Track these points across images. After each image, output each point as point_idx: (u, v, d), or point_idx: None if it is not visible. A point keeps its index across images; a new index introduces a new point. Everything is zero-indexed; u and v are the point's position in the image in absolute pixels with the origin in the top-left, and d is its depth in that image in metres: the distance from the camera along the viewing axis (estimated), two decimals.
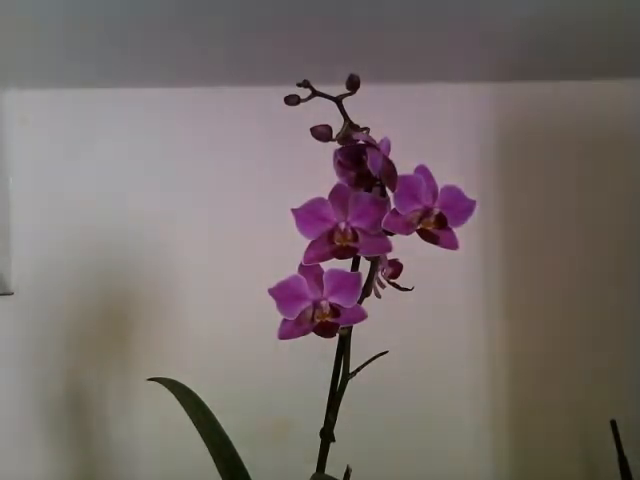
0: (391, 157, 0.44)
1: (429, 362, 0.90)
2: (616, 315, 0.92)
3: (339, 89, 0.44)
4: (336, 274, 0.45)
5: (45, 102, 0.90)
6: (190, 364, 0.87)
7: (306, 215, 0.44)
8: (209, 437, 0.57)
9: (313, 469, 0.53)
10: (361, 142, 0.43)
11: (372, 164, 0.43)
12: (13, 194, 0.90)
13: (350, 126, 0.44)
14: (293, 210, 0.44)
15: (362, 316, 0.46)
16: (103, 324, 0.89)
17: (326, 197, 0.45)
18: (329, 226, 0.45)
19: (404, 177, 0.43)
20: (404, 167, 0.44)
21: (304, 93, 0.44)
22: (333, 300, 0.45)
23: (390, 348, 0.50)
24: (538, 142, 0.93)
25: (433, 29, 0.76)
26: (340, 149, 0.45)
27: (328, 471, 0.52)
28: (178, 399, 0.59)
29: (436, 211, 0.44)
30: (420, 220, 0.44)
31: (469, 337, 0.92)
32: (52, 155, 0.91)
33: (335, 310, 0.45)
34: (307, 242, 0.45)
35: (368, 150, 0.43)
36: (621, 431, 0.77)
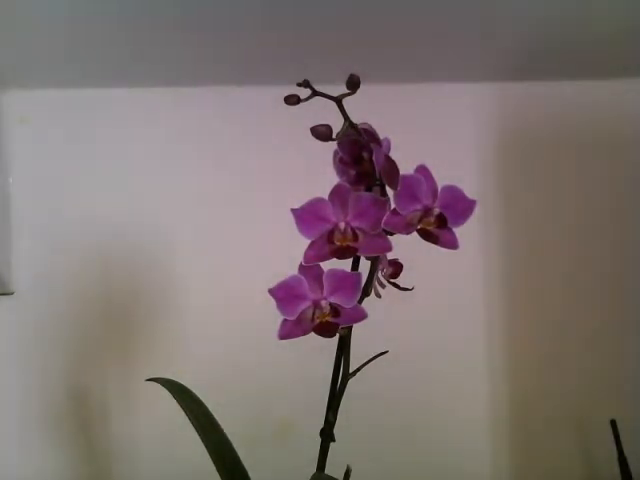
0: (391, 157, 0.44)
1: (429, 362, 0.90)
2: (616, 315, 0.92)
3: (339, 89, 0.44)
4: (336, 274, 0.45)
5: (45, 102, 0.90)
6: (190, 364, 0.87)
7: (306, 215, 0.44)
8: (208, 437, 0.57)
9: (313, 469, 0.53)
10: (363, 136, 0.43)
11: (376, 158, 0.43)
12: (13, 194, 0.90)
13: (350, 126, 0.44)
14: (293, 210, 0.44)
15: (362, 316, 0.46)
16: (103, 324, 0.89)
17: (326, 197, 0.45)
18: (329, 226, 0.45)
19: (404, 177, 0.43)
20: (404, 167, 0.44)
21: (304, 93, 0.44)
22: (333, 300, 0.45)
23: (390, 348, 0.50)
24: (538, 142, 0.93)
25: (433, 29, 0.76)
26: (341, 142, 0.45)
27: (328, 471, 0.52)
28: (177, 399, 0.59)
29: (436, 211, 0.44)
30: (420, 220, 0.44)
31: (469, 337, 0.92)
32: (52, 155, 0.91)
33: (335, 310, 0.45)
34: (307, 242, 0.45)
35: (372, 145, 0.43)
36: (621, 431, 0.77)
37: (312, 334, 0.45)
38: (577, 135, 0.93)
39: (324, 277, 0.45)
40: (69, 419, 0.88)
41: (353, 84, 0.44)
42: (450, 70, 0.89)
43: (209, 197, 0.91)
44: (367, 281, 0.47)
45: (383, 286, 0.50)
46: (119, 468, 0.88)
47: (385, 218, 0.43)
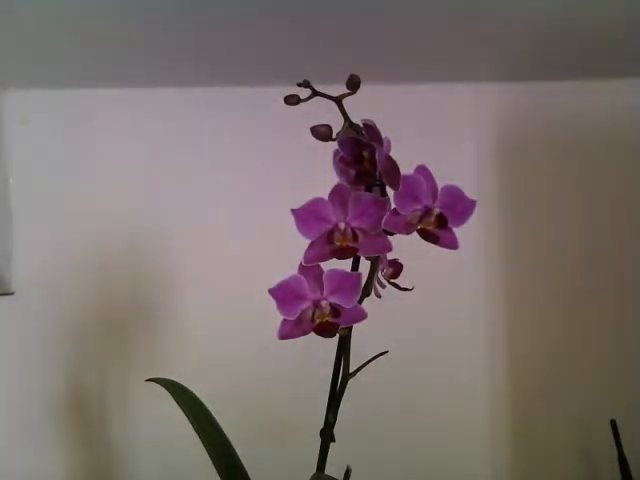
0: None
1: (429, 362, 0.90)
2: (616, 315, 0.92)
3: (339, 89, 0.44)
4: (336, 274, 0.45)
5: (45, 102, 0.90)
6: (190, 364, 0.87)
7: (306, 215, 0.44)
8: (208, 438, 0.57)
9: (313, 469, 0.53)
10: (364, 136, 0.43)
11: (377, 157, 0.43)
12: (13, 194, 0.90)
13: (350, 126, 0.44)
14: (293, 210, 0.44)
15: (362, 316, 0.46)
16: (103, 324, 0.89)
17: (326, 197, 0.45)
18: (329, 226, 0.45)
19: (404, 177, 0.43)
20: (404, 167, 0.44)
21: (304, 93, 0.44)
22: (333, 300, 0.45)
23: (390, 348, 0.50)
24: (538, 142, 0.93)
25: (433, 29, 0.76)
26: (341, 142, 0.44)
27: (328, 471, 0.52)
28: (177, 399, 0.59)
29: (436, 211, 0.44)
30: (420, 220, 0.44)
31: (469, 337, 0.92)
32: (52, 155, 0.91)
33: (335, 310, 0.45)
34: (307, 242, 0.45)
35: (373, 144, 0.43)
36: (621, 431, 0.77)
37: (312, 334, 0.45)
38: (577, 135, 0.93)
39: (324, 277, 0.45)
40: (69, 418, 0.88)
41: (353, 84, 0.44)
42: (450, 70, 0.89)
43: (208, 197, 0.91)
44: (367, 281, 0.47)
45: (383, 286, 0.50)
46: (119, 468, 0.88)
47: (385, 218, 0.43)
